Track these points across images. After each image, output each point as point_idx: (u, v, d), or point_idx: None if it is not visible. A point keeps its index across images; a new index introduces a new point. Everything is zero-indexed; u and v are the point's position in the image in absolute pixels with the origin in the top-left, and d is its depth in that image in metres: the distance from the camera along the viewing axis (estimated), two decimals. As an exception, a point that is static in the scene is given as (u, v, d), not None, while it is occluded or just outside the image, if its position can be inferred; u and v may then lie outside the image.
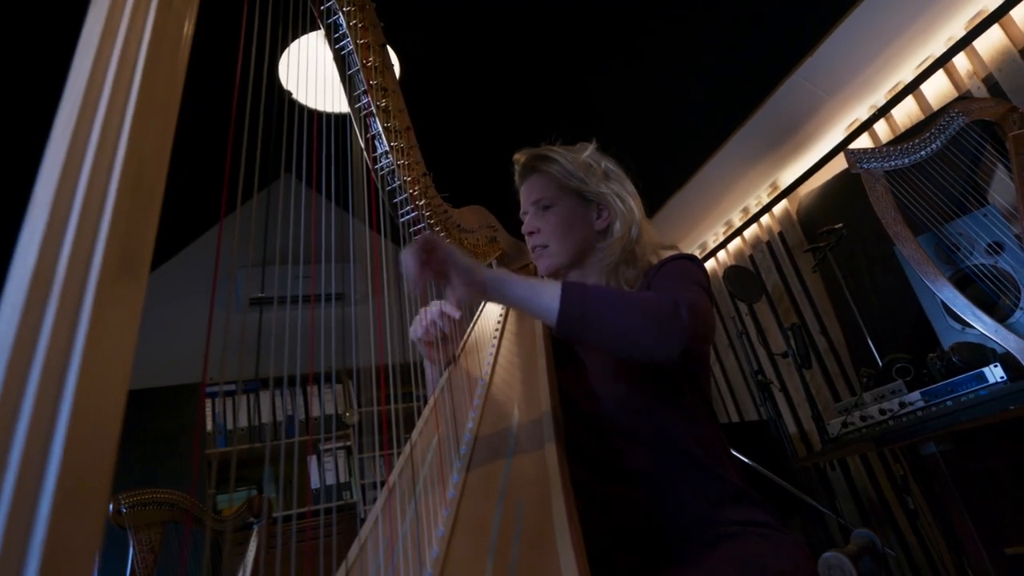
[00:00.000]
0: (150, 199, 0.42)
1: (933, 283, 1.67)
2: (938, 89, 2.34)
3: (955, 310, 1.79)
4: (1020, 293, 1.81)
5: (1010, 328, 1.78)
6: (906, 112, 2.46)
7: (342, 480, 3.57)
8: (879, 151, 1.75)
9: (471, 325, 1.17)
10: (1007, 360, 1.59)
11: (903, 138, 2.41)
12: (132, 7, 0.44)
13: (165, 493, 2.63)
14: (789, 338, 2.50)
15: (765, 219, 3.13)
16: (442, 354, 1.04)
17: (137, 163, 0.41)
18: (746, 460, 2.24)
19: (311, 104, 1.01)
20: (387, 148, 0.98)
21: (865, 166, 1.76)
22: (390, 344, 0.94)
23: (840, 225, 2.50)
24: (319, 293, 3.74)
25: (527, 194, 1.15)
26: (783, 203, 3.04)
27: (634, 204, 1.11)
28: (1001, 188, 2.21)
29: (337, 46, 1.01)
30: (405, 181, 0.99)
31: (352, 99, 1.00)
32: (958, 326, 1.89)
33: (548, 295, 0.81)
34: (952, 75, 2.30)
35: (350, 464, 3.63)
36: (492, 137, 3.72)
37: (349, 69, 1.00)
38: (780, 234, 3.07)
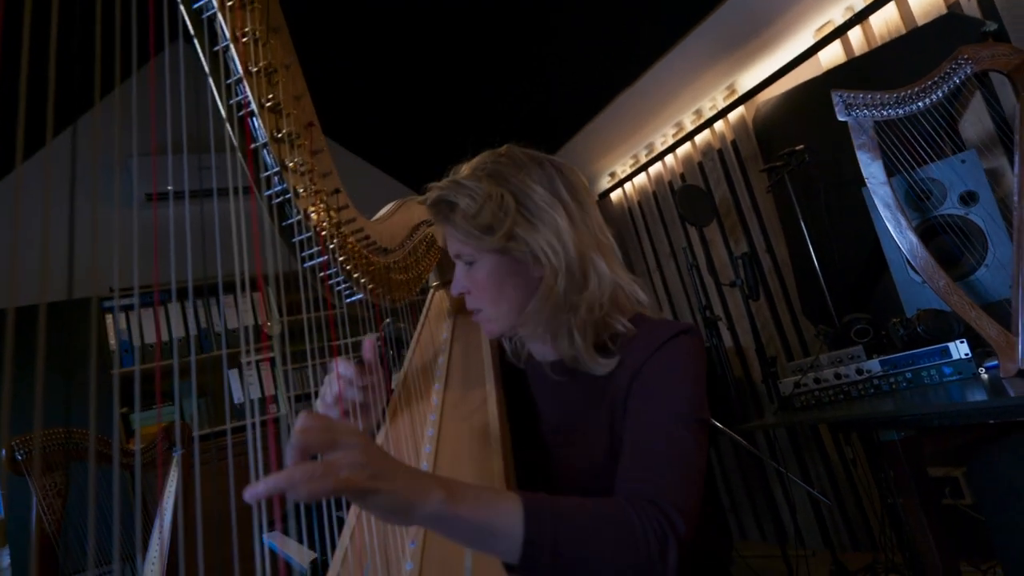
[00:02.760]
0: None
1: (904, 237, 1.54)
2: (924, -4, 2.09)
3: (914, 264, 1.68)
4: (987, 249, 1.71)
5: (970, 286, 1.71)
6: (885, 20, 2.21)
7: (268, 393, 3.40)
8: (872, 97, 1.53)
9: (401, 371, 0.94)
10: (970, 333, 1.51)
11: (881, 55, 2.19)
12: None
13: (63, 432, 2.41)
14: (739, 267, 2.40)
15: (719, 125, 2.90)
16: (363, 422, 0.82)
17: None
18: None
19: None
20: (278, 167, 0.70)
21: (854, 114, 1.55)
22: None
23: (801, 147, 2.33)
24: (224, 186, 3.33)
25: (448, 243, 0.89)
26: (740, 109, 2.80)
27: (563, 245, 0.82)
28: (974, 119, 2.06)
29: (195, 6, 0.68)
30: (309, 215, 0.71)
31: (222, 91, 0.69)
32: (918, 278, 1.80)
33: (506, 538, 0.60)
34: (943, -20, 2.05)
35: (275, 375, 3.45)
36: (430, 59, 3.24)
37: (215, 44, 0.68)
38: (733, 143, 2.87)
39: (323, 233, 0.71)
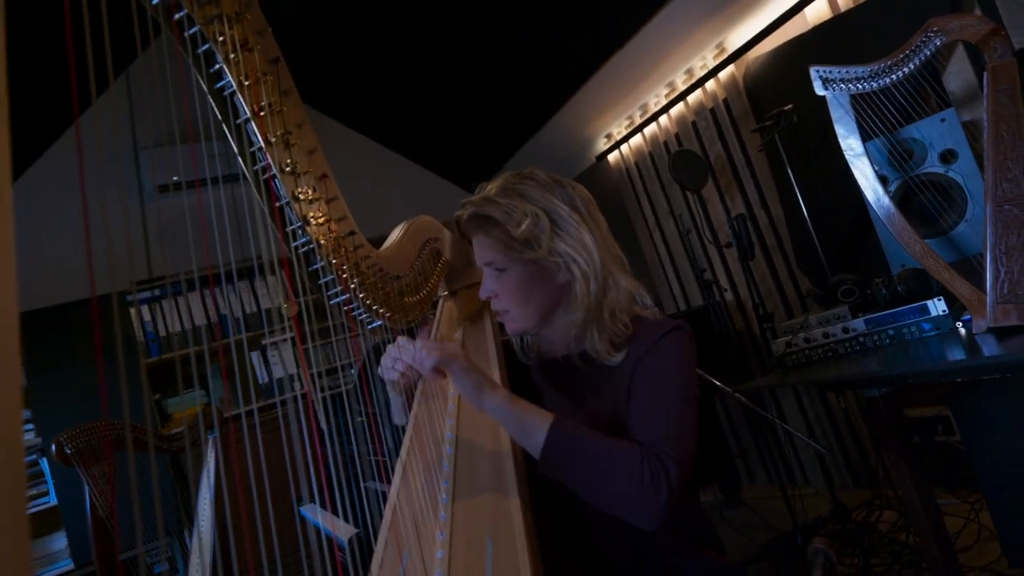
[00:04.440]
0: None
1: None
2: (907, -50, 2.10)
3: (892, 232, 1.76)
4: (966, 205, 1.79)
5: (950, 240, 1.80)
6: (869, -26, 2.22)
7: (291, 372, 3.56)
8: (847, 72, 1.59)
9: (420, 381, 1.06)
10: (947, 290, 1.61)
11: (867, 10, 2.22)
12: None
13: (103, 424, 2.59)
14: (735, 228, 2.48)
15: (710, 85, 2.94)
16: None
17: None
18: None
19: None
20: (301, 222, 0.80)
21: (831, 88, 1.61)
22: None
23: (790, 107, 2.38)
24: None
25: (478, 253, 1.00)
26: (730, 68, 2.83)
27: (591, 258, 0.94)
28: (957, 71, 2.10)
29: (217, 86, 0.77)
30: (330, 261, 0.82)
31: (246, 158, 0.78)
32: (901, 235, 1.89)
33: (535, 437, 0.82)
34: (925, -66, 2.06)
35: (296, 355, 3.59)
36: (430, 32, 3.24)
37: (236, 118, 0.78)
38: (725, 101, 2.90)
39: (344, 276, 0.82)
